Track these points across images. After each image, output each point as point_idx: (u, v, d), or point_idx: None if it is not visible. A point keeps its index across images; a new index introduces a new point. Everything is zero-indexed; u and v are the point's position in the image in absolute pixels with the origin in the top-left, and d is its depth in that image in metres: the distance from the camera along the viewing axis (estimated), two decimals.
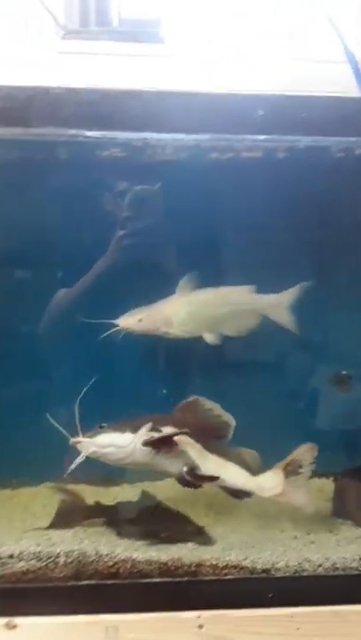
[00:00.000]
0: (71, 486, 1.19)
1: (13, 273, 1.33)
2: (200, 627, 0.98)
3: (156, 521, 1.10)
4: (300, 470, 1.08)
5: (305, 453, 1.08)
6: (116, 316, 1.20)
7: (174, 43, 1.40)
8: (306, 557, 1.01)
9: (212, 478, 1.07)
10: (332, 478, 1.30)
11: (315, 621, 1.00)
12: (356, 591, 1.01)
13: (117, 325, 1.19)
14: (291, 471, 1.08)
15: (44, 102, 0.84)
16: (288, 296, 1.26)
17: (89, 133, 0.86)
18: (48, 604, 0.97)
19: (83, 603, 0.97)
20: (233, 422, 1.10)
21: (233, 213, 1.24)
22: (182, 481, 1.08)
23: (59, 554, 0.97)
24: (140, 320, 1.20)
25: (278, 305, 1.26)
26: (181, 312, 1.24)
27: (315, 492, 1.30)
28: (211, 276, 1.29)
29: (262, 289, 1.27)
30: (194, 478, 1.06)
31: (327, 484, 1.29)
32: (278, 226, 1.23)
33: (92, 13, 1.49)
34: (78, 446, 1.04)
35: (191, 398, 1.11)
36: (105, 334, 1.19)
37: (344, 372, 1.33)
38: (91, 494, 1.19)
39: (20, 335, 1.32)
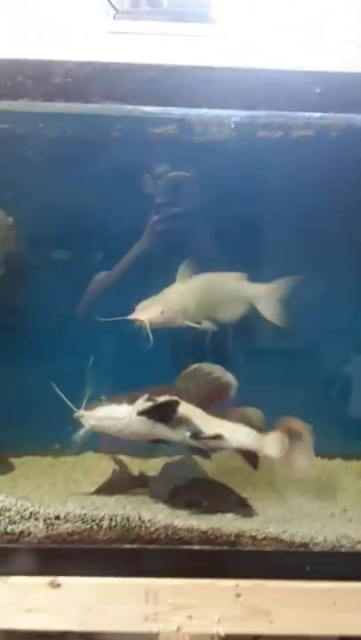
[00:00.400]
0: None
1: (56, 253, 1.35)
2: (238, 595, 1.00)
3: (198, 491, 1.12)
4: (303, 438, 1.09)
5: (301, 427, 1.09)
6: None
7: (224, 23, 1.41)
8: (344, 534, 1.03)
9: (216, 437, 1.08)
10: None
11: (351, 597, 1.01)
12: None
13: (139, 320, 1.16)
14: (294, 436, 1.09)
15: (102, 78, 0.86)
16: (279, 288, 1.24)
17: (146, 109, 0.88)
18: (91, 566, 1.00)
19: (124, 566, 1.01)
20: (235, 382, 1.10)
21: (282, 194, 1.24)
22: (191, 449, 1.10)
23: (103, 517, 1.00)
24: (162, 312, 1.19)
25: (268, 296, 1.25)
26: (192, 302, 1.24)
27: (353, 474, 1.31)
28: (252, 262, 1.31)
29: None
30: (198, 441, 1.08)
31: None
32: (327, 208, 1.23)
33: None
34: (82, 420, 1.07)
35: (192, 367, 1.11)
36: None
37: None
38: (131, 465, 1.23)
39: (59, 316, 1.35)
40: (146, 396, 1.08)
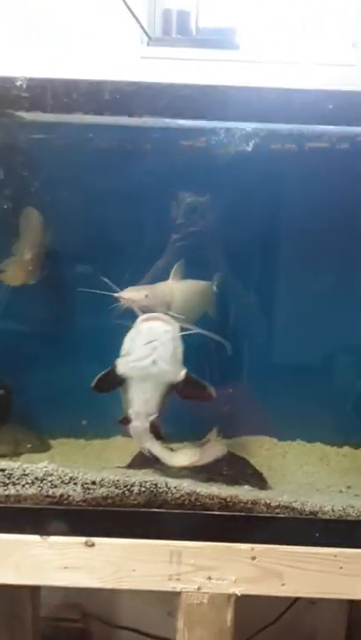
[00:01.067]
0: None
1: (88, 267, 1.46)
2: (253, 558, 1.11)
3: (221, 463, 1.23)
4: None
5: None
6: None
7: (248, 48, 1.56)
8: (350, 504, 1.13)
9: None
10: None
11: (357, 562, 1.11)
12: None
13: (123, 297, 1.23)
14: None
15: (144, 95, 1.00)
16: None
17: (181, 122, 1.02)
18: (122, 527, 1.11)
19: (152, 528, 1.12)
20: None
21: (299, 206, 1.37)
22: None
23: (134, 483, 1.12)
24: (146, 295, 1.25)
25: None
26: (179, 298, 1.32)
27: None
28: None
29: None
30: None
31: None
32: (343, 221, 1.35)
33: (173, 22, 1.66)
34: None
35: None
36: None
37: None
38: None
39: (89, 330, 1.46)
40: None
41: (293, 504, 1.13)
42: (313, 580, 1.12)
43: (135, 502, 1.12)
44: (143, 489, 1.12)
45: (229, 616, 1.13)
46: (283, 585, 1.12)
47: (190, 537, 1.11)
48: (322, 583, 1.12)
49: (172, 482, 1.13)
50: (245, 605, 1.14)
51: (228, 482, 1.18)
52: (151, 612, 1.76)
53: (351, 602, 1.63)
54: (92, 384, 1.17)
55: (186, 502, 1.12)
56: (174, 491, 1.12)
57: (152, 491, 1.12)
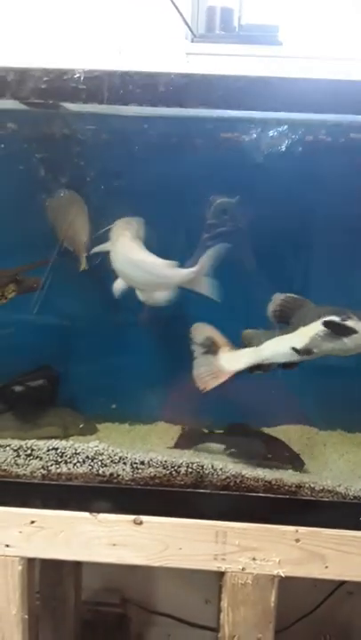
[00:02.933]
0: None
1: None
2: (297, 540, 1.13)
3: (260, 445, 1.26)
4: None
5: None
6: None
7: (291, 45, 1.59)
8: None
9: None
10: None
11: None
12: None
13: None
14: None
15: (197, 87, 1.04)
16: (203, 266, 1.28)
17: (233, 113, 1.06)
18: (169, 507, 1.15)
19: (198, 508, 1.15)
20: None
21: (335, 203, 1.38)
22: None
23: (181, 464, 1.15)
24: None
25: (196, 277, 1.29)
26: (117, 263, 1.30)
27: None
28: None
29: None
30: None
31: None
32: None
33: (217, 19, 1.70)
34: None
35: None
36: None
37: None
38: None
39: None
40: None
41: (337, 488, 1.15)
42: (356, 564, 1.13)
43: (182, 483, 1.15)
44: (190, 470, 1.15)
45: (273, 597, 1.15)
46: (326, 567, 1.14)
47: (235, 518, 1.14)
48: None
49: (218, 463, 1.16)
50: (283, 596, 1.15)
51: (267, 464, 1.20)
52: (189, 598, 1.79)
53: None
54: None
55: (231, 484, 1.15)
56: (220, 472, 1.15)
57: (198, 472, 1.15)
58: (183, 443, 1.30)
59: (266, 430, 1.49)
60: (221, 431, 1.33)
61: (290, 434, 1.48)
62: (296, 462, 1.23)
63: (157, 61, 1.54)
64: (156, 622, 1.85)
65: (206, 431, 1.33)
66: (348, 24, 1.60)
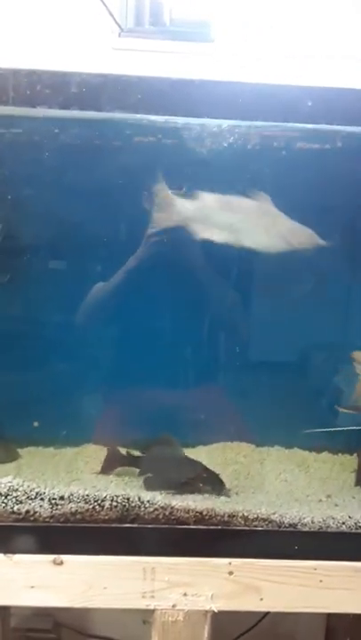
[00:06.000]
0: None
1: (54, 262, 1.41)
2: (230, 573, 1.07)
3: (177, 468, 1.19)
4: None
5: None
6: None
7: (223, 42, 1.50)
8: (330, 515, 1.10)
9: None
10: (355, 454, 1.38)
11: (337, 575, 1.08)
12: None
13: None
14: None
15: (114, 88, 0.94)
16: None
17: (153, 118, 0.97)
18: (92, 544, 1.06)
19: (124, 544, 1.07)
20: None
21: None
22: None
23: (105, 498, 1.07)
24: None
25: None
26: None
27: (339, 466, 1.39)
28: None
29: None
30: None
31: (351, 459, 1.37)
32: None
33: (146, 14, 1.60)
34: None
35: None
36: None
37: None
38: None
39: (56, 326, 1.41)
40: None
41: (272, 516, 1.09)
42: (292, 595, 1.08)
43: (106, 517, 1.07)
44: (115, 503, 1.07)
45: (206, 632, 1.09)
46: (261, 600, 1.08)
47: (165, 552, 1.07)
48: (301, 597, 1.08)
49: (146, 495, 1.08)
50: (224, 611, 1.09)
51: (185, 490, 1.13)
52: (126, 619, 1.72)
53: None
54: None
55: (160, 516, 1.07)
56: (147, 505, 1.07)
57: (124, 505, 1.07)
58: (107, 467, 1.21)
59: (201, 448, 1.42)
60: (138, 453, 1.25)
61: (226, 451, 1.42)
62: (216, 485, 1.15)
63: (81, 58, 1.43)
64: None
65: (125, 453, 1.24)
66: (283, 22, 1.53)
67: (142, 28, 1.57)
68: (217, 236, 1.18)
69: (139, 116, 0.95)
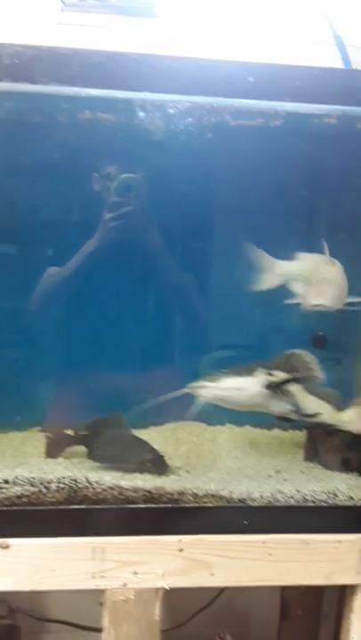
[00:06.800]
0: None
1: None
2: (180, 550, 1.07)
3: (122, 448, 1.19)
4: None
5: None
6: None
7: (167, 18, 1.48)
8: (278, 489, 1.11)
9: (315, 415, 1.19)
10: (305, 430, 1.40)
11: (285, 548, 1.09)
12: (324, 521, 1.11)
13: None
14: None
15: (49, 61, 0.92)
16: None
17: (90, 92, 0.94)
18: (39, 527, 1.05)
19: (72, 526, 1.06)
20: (322, 379, 1.19)
21: (214, 183, 1.32)
22: (283, 419, 1.22)
23: (51, 480, 1.05)
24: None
25: None
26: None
27: (289, 443, 1.41)
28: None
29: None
30: (300, 416, 1.19)
31: (301, 435, 1.39)
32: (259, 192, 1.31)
33: None
34: (201, 391, 1.15)
35: (294, 351, 1.19)
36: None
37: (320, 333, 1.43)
38: None
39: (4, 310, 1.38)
40: (265, 370, 1.16)
41: (221, 492, 1.10)
42: (242, 569, 1.09)
43: (53, 500, 1.05)
44: (62, 485, 1.05)
45: (157, 610, 1.09)
46: (212, 575, 1.09)
47: (114, 532, 1.06)
48: (251, 571, 1.09)
49: (93, 476, 1.07)
50: (179, 590, 1.09)
51: (128, 468, 1.14)
52: (81, 602, 1.71)
53: None
54: None
55: (109, 497, 1.07)
56: (95, 485, 1.06)
57: (71, 487, 1.06)
58: (52, 450, 1.19)
59: (153, 429, 1.42)
60: (85, 433, 1.23)
61: (178, 431, 1.42)
62: (158, 465, 1.15)
63: (24, 33, 1.39)
64: (49, 629, 1.76)
65: (72, 434, 1.23)
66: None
67: (85, 2, 1.54)
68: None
69: (76, 89, 0.92)
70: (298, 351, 1.18)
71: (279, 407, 1.18)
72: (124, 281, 1.40)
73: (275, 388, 1.16)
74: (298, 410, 1.18)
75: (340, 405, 1.23)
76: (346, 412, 1.22)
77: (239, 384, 1.15)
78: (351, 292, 1.22)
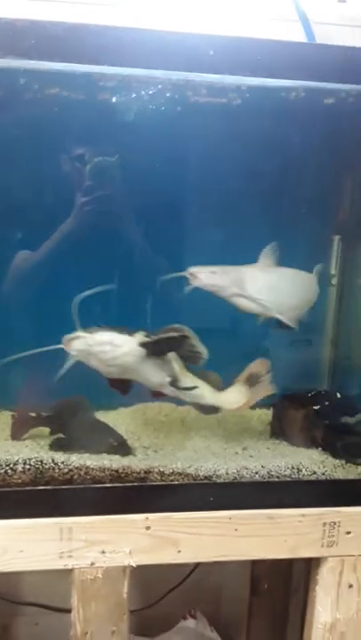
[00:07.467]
0: None
1: None
2: (147, 528, 1.08)
3: (86, 431, 1.19)
4: (260, 380, 1.20)
5: (259, 366, 1.21)
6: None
7: None
8: (244, 465, 1.12)
9: (192, 388, 1.17)
10: (271, 409, 1.41)
11: (251, 523, 1.11)
12: (288, 496, 1.12)
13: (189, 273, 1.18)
14: (252, 382, 1.20)
15: (6, 34, 0.89)
16: None
17: (49, 65, 0.92)
18: (6, 509, 1.05)
19: (39, 507, 1.05)
20: (206, 354, 1.16)
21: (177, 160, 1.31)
22: (157, 394, 1.18)
23: (17, 461, 1.05)
24: (212, 272, 1.19)
25: None
26: (260, 280, 1.23)
27: (256, 420, 1.42)
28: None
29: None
30: (176, 388, 1.16)
31: (268, 413, 1.41)
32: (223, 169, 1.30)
33: None
34: (74, 343, 1.08)
35: (177, 326, 1.14)
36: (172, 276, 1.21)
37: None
38: None
39: None
40: (144, 332, 1.11)
41: (187, 470, 1.10)
42: (209, 545, 1.10)
43: (19, 481, 1.05)
44: (28, 467, 1.05)
45: (125, 588, 1.10)
46: (179, 552, 1.10)
47: (82, 512, 1.06)
48: (218, 547, 1.11)
49: (60, 456, 1.07)
50: (151, 569, 1.10)
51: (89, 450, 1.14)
52: (55, 584, 1.71)
53: None
54: None
55: (75, 477, 1.07)
56: (62, 466, 1.06)
57: (37, 468, 1.05)
58: (16, 432, 1.18)
59: (122, 410, 1.42)
60: (48, 414, 1.23)
61: (147, 412, 1.42)
62: (121, 448, 1.15)
63: None
64: (22, 612, 1.77)
65: (34, 415, 1.22)
66: None
67: None
68: None
69: (33, 62, 0.90)
70: (178, 326, 1.12)
71: (156, 377, 1.14)
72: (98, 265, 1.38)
73: (152, 350, 1.10)
74: (174, 381, 1.15)
75: (220, 386, 1.22)
76: (225, 392, 1.22)
77: (115, 339, 1.08)
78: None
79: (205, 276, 1.19)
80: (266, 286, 1.23)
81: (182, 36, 0.96)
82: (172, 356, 1.16)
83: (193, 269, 1.19)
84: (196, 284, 1.19)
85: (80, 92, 1.11)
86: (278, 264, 1.26)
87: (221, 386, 1.23)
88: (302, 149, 1.33)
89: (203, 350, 1.15)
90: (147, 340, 1.10)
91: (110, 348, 1.08)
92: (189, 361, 1.18)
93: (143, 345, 1.09)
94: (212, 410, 1.22)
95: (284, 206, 1.39)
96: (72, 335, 1.08)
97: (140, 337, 1.10)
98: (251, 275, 1.23)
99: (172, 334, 1.09)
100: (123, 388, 1.19)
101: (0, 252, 1.33)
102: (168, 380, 1.15)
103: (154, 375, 1.14)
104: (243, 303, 1.23)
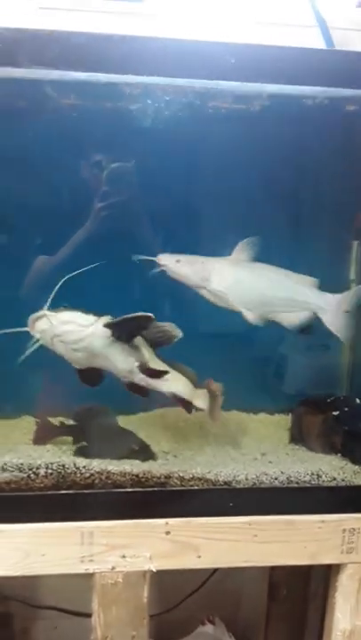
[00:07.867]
0: None
1: None
2: (167, 533, 1.08)
3: (109, 440, 1.19)
4: (217, 396, 1.20)
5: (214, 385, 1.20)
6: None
7: (154, 2, 1.46)
8: (263, 471, 1.12)
9: (163, 372, 1.14)
10: (290, 414, 1.41)
11: (270, 529, 1.11)
12: (307, 502, 1.12)
13: (156, 261, 1.18)
14: (211, 394, 1.20)
15: (32, 44, 0.91)
16: (347, 299, 1.22)
17: (74, 74, 0.94)
18: (29, 512, 1.06)
19: (61, 511, 1.06)
20: (179, 334, 1.14)
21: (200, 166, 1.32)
22: (131, 386, 1.16)
23: (39, 466, 1.06)
24: (177, 261, 1.18)
25: (336, 307, 1.22)
26: (226, 273, 1.22)
27: (275, 426, 1.42)
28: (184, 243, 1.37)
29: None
30: (146, 372, 1.13)
31: (287, 419, 1.41)
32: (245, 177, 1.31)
33: None
34: (39, 323, 1.06)
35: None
36: (141, 259, 1.19)
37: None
38: None
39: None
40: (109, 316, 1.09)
41: (207, 475, 1.11)
42: (229, 550, 1.11)
43: (42, 485, 1.06)
44: (50, 471, 1.06)
45: (145, 593, 1.10)
46: (199, 557, 1.10)
47: (102, 516, 1.07)
48: (237, 552, 1.11)
49: (81, 461, 1.08)
50: (170, 574, 1.11)
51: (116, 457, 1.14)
52: (74, 588, 1.72)
53: None
54: None
55: (96, 481, 1.08)
56: (83, 470, 1.07)
57: (60, 472, 1.07)
58: (39, 438, 1.20)
59: (141, 415, 1.43)
60: (72, 423, 1.24)
61: (166, 417, 1.43)
62: (144, 454, 1.16)
63: (5, 17, 1.36)
64: (42, 616, 1.78)
65: (57, 423, 1.23)
66: None
67: None
68: None
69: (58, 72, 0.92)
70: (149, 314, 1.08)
71: (125, 363, 1.12)
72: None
73: (118, 331, 1.07)
74: (142, 365, 1.11)
75: (195, 383, 1.21)
76: (199, 390, 1.20)
77: (78, 318, 1.05)
78: None
79: (170, 264, 1.18)
80: (233, 280, 1.21)
81: (204, 45, 0.97)
82: (140, 341, 1.13)
83: (160, 256, 1.18)
84: (165, 270, 1.18)
85: (108, 100, 1.12)
86: (255, 259, 1.23)
87: (196, 383, 1.21)
88: (324, 156, 1.33)
89: (173, 329, 1.12)
90: (116, 320, 1.07)
91: (74, 327, 1.05)
92: (161, 344, 1.15)
93: (108, 326, 1.07)
94: (192, 406, 1.20)
95: (305, 212, 1.39)
96: (37, 314, 1.05)
97: (105, 319, 1.08)
98: (218, 267, 1.21)
99: (137, 314, 1.06)
100: (93, 380, 1.16)
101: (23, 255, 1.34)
102: (136, 364, 1.12)
103: (122, 361, 1.11)
104: (206, 295, 1.22)
